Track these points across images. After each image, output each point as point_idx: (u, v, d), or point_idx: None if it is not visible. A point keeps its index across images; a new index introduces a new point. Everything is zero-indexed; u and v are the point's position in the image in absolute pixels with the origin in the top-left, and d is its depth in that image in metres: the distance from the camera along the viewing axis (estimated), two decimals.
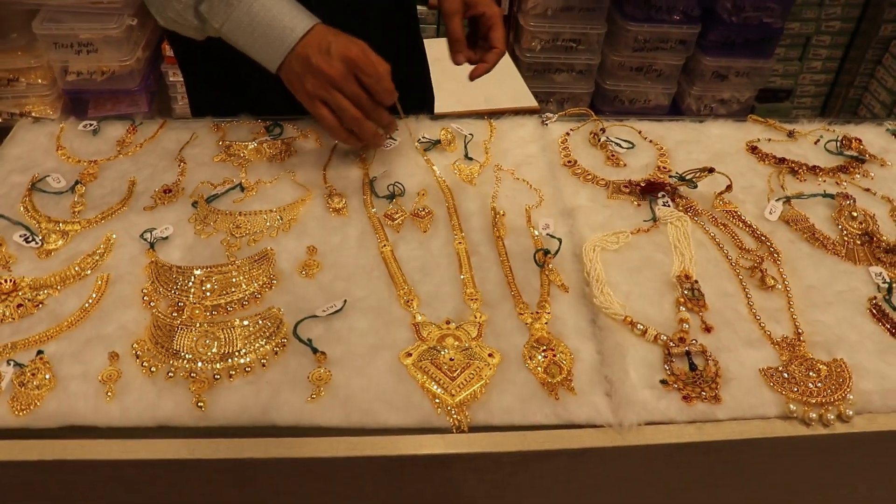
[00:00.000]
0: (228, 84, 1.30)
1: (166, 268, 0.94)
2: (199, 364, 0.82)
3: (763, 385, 0.83)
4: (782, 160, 1.18)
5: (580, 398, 0.81)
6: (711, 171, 1.09)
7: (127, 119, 1.22)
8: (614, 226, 1.04)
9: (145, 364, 0.82)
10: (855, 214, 1.06)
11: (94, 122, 1.21)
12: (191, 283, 0.92)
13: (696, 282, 0.94)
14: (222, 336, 0.85)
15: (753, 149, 1.22)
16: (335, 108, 1.02)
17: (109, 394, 0.80)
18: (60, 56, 2.52)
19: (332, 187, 1.09)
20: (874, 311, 0.93)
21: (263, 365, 0.83)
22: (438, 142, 1.18)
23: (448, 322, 0.89)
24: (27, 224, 1.00)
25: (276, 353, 0.84)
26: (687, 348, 0.86)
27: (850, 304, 0.94)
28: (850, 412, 0.80)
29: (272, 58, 1.03)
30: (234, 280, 0.93)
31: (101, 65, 2.57)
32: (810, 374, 0.84)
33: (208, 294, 0.91)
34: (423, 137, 1.19)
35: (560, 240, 1.00)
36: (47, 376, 0.81)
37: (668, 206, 1.07)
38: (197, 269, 0.93)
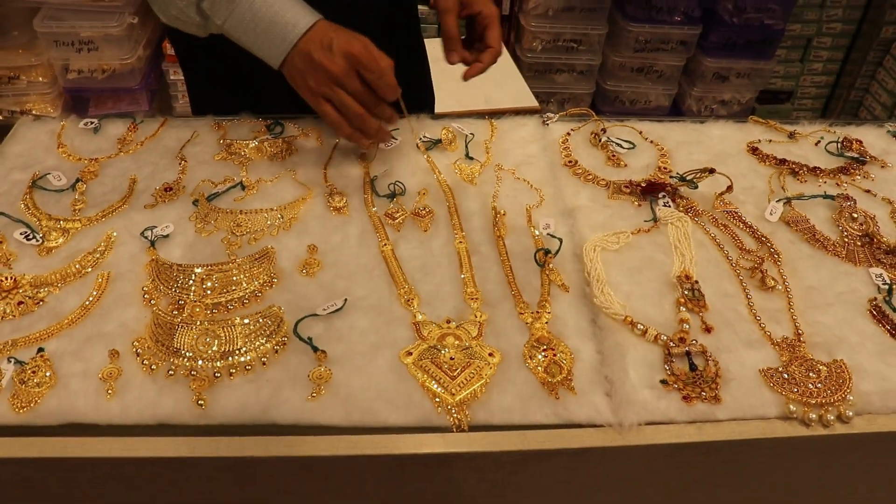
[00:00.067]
0: (229, 82, 1.30)
1: (167, 266, 0.94)
2: (200, 362, 0.82)
3: (763, 385, 0.83)
4: (783, 161, 1.18)
5: (580, 398, 0.81)
6: (712, 171, 1.09)
7: (128, 117, 1.22)
8: (615, 226, 1.04)
9: (146, 362, 0.82)
10: (855, 216, 1.06)
11: (95, 120, 1.21)
12: (191, 282, 0.92)
13: (697, 282, 0.94)
14: (223, 334, 0.85)
15: (754, 150, 1.22)
16: (338, 104, 1.02)
17: (110, 392, 0.80)
18: (61, 54, 2.52)
19: (332, 186, 1.09)
20: (874, 313, 0.93)
21: (264, 363, 0.83)
22: (439, 141, 1.18)
23: (448, 321, 0.89)
24: (28, 222, 1.00)
25: (277, 352, 0.84)
26: (687, 348, 0.86)
27: (850, 306, 0.94)
28: (850, 413, 0.80)
29: (275, 54, 1.03)
30: (234, 278, 0.93)
31: (101, 63, 2.57)
32: (810, 374, 0.84)
33: (209, 292, 0.91)
34: (424, 137, 1.19)
35: (561, 240, 1.00)
36: (48, 374, 0.81)
37: (669, 206, 1.07)
38: (198, 268, 0.93)
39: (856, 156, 1.21)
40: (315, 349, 0.84)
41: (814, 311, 0.93)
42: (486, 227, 1.03)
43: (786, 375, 0.84)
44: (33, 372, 0.80)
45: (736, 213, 1.07)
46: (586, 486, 0.86)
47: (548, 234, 1.02)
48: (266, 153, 1.15)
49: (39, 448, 0.75)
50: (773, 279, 0.95)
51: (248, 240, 0.99)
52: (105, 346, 0.84)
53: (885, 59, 3.34)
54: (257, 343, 0.85)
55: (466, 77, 1.17)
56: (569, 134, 1.24)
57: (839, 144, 1.23)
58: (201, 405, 0.79)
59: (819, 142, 1.25)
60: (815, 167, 1.18)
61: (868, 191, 1.13)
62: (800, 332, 0.89)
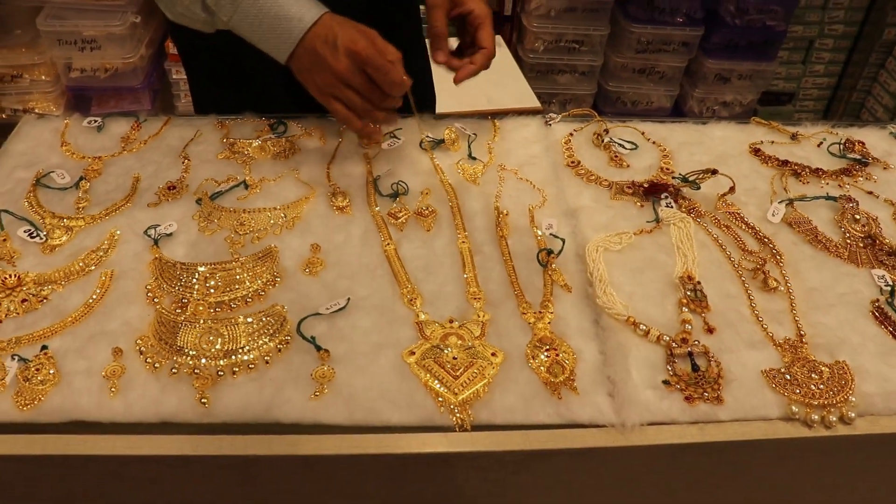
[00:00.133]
0: (232, 82, 1.30)
1: (170, 264, 0.94)
2: (203, 361, 0.83)
3: (765, 386, 0.83)
4: (785, 162, 1.19)
5: (583, 398, 0.81)
6: (714, 172, 1.10)
7: (131, 116, 1.22)
8: (617, 226, 1.04)
9: (149, 360, 0.83)
10: (857, 217, 1.06)
11: (99, 119, 1.21)
12: (195, 280, 0.92)
13: (699, 283, 0.94)
14: (226, 333, 0.85)
15: (756, 151, 1.22)
16: (346, 102, 1.03)
17: (113, 389, 0.80)
18: (64, 53, 2.52)
19: (335, 185, 1.09)
20: (876, 314, 0.93)
21: (267, 362, 0.83)
22: (442, 141, 1.18)
23: (451, 321, 0.89)
24: (32, 219, 1.01)
25: (280, 351, 0.84)
26: (689, 349, 0.86)
27: (852, 307, 0.94)
28: (853, 414, 0.80)
29: (281, 49, 1.03)
30: (237, 277, 0.93)
31: (104, 62, 2.58)
32: (812, 375, 0.84)
33: (212, 291, 0.91)
34: (427, 136, 1.19)
35: (563, 240, 1.00)
36: (51, 371, 0.81)
37: (671, 207, 1.07)
38: (201, 266, 0.93)
39: (858, 157, 1.21)
40: (318, 348, 0.84)
41: (816, 312, 0.93)
42: (489, 227, 1.03)
43: (788, 376, 0.84)
44: (37, 369, 0.81)
45: (738, 214, 1.07)
46: (588, 486, 0.86)
47: (550, 234, 1.02)
48: (269, 152, 1.15)
49: (43, 445, 0.75)
50: (776, 280, 0.96)
51: (252, 239, 1.00)
52: (108, 344, 0.84)
53: (887, 60, 3.34)
54: (260, 342, 0.85)
55: (458, 80, 1.14)
56: (571, 134, 1.24)
57: (841, 146, 1.23)
58: (204, 403, 0.79)
59: (821, 143, 1.25)
60: (817, 168, 1.18)
61: (870, 192, 1.14)
62: (802, 333, 0.89)
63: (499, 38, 2.85)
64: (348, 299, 0.90)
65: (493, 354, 0.85)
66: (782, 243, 1.03)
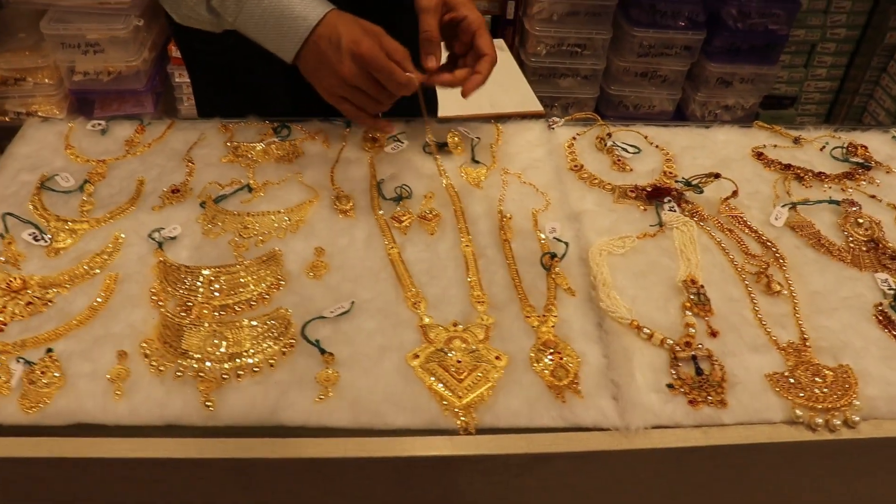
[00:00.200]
0: (234, 85, 1.30)
1: (174, 267, 0.94)
2: (208, 364, 0.83)
3: (769, 390, 0.83)
4: (788, 166, 1.19)
5: (587, 401, 0.81)
6: (717, 176, 1.10)
7: (135, 119, 1.23)
8: (620, 230, 1.04)
9: (154, 363, 0.83)
10: (861, 221, 1.06)
11: (103, 122, 1.21)
12: (199, 283, 0.92)
13: (702, 286, 0.95)
14: (230, 336, 0.85)
15: (759, 155, 1.22)
16: (355, 103, 1.03)
17: (118, 392, 0.80)
18: (67, 56, 2.53)
19: (339, 189, 1.09)
20: (880, 318, 0.93)
21: (271, 365, 0.83)
22: (445, 145, 1.18)
23: (455, 324, 0.89)
24: (36, 223, 1.01)
25: (284, 354, 0.85)
26: (693, 353, 0.86)
27: (855, 310, 0.94)
28: (856, 418, 0.80)
29: (287, 49, 1.03)
30: (242, 280, 0.93)
31: (107, 65, 2.58)
32: (816, 379, 0.84)
33: (216, 294, 0.91)
34: (430, 139, 1.19)
35: (567, 243, 1.01)
36: (56, 374, 0.81)
37: (674, 211, 1.07)
38: (205, 269, 0.94)
39: (861, 161, 1.21)
40: (323, 351, 0.84)
41: (819, 315, 0.93)
42: (493, 230, 1.04)
43: (792, 380, 0.84)
44: (42, 372, 0.81)
45: (741, 217, 1.07)
46: (592, 489, 0.86)
47: (554, 237, 1.02)
48: (273, 156, 1.15)
49: (48, 448, 0.75)
50: (779, 284, 0.96)
51: (256, 242, 1.00)
52: (113, 347, 0.85)
53: (889, 64, 3.35)
54: (265, 345, 0.85)
55: (467, 93, 1.09)
56: (574, 138, 1.24)
57: (844, 150, 1.23)
58: (209, 407, 0.79)
59: (824, 147, 1.25)
60: (820, 172, 1.18)
61: (873, 196, 1.14)
62: (805, 336, 0.90)
63: (501, 42, 2.86)
64: (352, 303, 0.90)
65: (496, 358, 0.85)
66: (785, 247, 1.03)
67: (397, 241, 1.01)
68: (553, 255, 0.98)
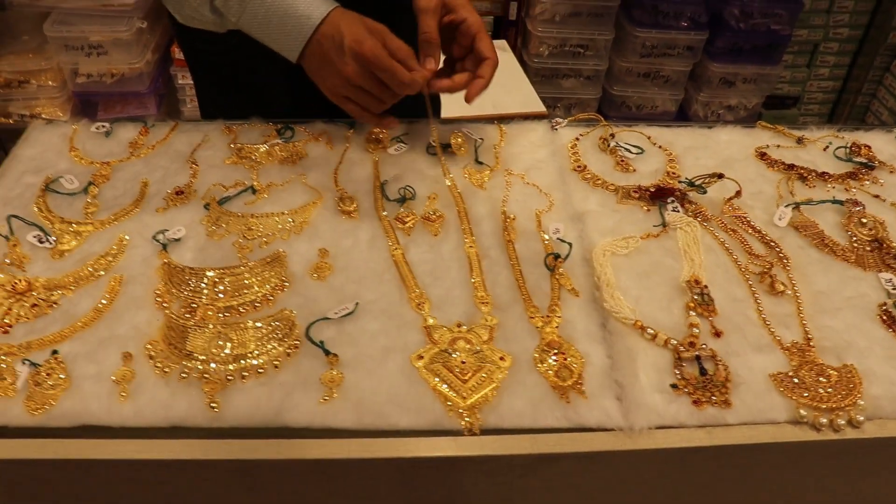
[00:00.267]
0: (238, 86, 1.30)
1: (179, 269, 0.94)
2: (212, 365, 0.83)
3: (773, 390, 0.83)
4: (791, 166, 1.19)
5: (591, 402, 0.81)
6: (721, 176, 1.10)
7: (139, 121, 1.23)
8: (624, 231, 1.04)
9: (158, 365, 0.83)
10: (864, 221, 1.06)
11: (107, 124, 1.21)
12: (203, 285, 0.92)
13: (706, 287, 0.95)
14: (235, 337, 0.86)
15: (762, 155, 1.22)
16: (359, 103, 1.03)
17: (123, 394, 0.80)
18: (71, 58, 2.54)
19: (343, 190, 1.10)
20: (884, 318, 0.93)
21: (276, 366, 0.83)
22: (448, 146, 1.18)
23: (459, 325, 0.89)
24: (41, 225, 1.01)
25: (289, 355, 0.85)
26: (697, 353, 0.86)
27: (859, 310, 0.94)
28: (861, 418, 0.80)
29: (291, 48, 1.02)
30: (246, 282, 0.93)
31: (110, 67, 2.59)
32: (820, 379, 0.84)
33: (221, 296, 0.91)
34: (433, 141, 1.20)
35: (570, 244, 1.01)
36: (62, 376, 0.81)
37: (678, 211, 1.07)
38: (209, 271, 0.94)
39: (864, 161, 1.21)
40: (327, 352, 0.84)
41: (823, 315, 0.93)
42: (496, 231, 1.04)
43: (796, 380, 0.84)
44: (47, 374, 0.81)
45: (745, 218, 1.07)
46: (596, 489, 0.86)
47: (557, 238, 1.02)
48: (276, 157, 1.16)
49: (54, 450, 0.75)
50: (783, 284, 0.96)
51: (260, 243, 1.00)
52: (118, 349, 0.85)
53: (892, 64, 3.34)
54: (269, 346, 0.85)
55: (471, 98, 1.07)
56: (577, 139, 1.24)
57: (848, 150, 1.23)
58: (214, 408, 0.79)
59: (827, 147, 1.25)
60: (823, 172, 1.18)
61: (877, 196, 1.14)
62: (809, 336, 0.90)
63: (503, 43, 2.86)
64: (356, 304, 0.90)
65: (501, 358, 0.85)
66: (789, 247, 1.03)
67: (401, 243, 1.01)
68: (557, 256, 0.98)
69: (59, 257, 0.97)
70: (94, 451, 0.76)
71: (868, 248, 1.03)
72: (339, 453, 0.76)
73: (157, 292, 0.92)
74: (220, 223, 1.02)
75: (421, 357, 0.85)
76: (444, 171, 1.14)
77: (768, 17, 2.95)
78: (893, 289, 0.97)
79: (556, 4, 2.91)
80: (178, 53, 2.71)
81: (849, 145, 1.24)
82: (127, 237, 1.00)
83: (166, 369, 0.83)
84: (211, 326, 0.87)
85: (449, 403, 0.80)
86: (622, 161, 1.18)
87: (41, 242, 0.98)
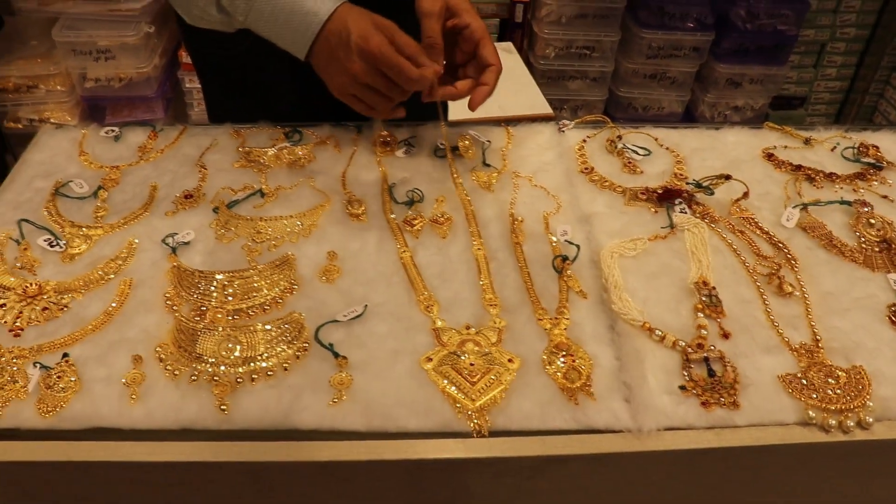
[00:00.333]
0: (245, 90, 1.30)
1: (188, 272, 0.95)
2: (222, 368, 0.83)
3: (782, 391, 0.83)
4: (799, 167, 1.19)
5: (599, 403, 0.81)
6: (728, 178, 1.10)
7: (148, 125, 1.23)
8: (631, 232, 1.04)
9: (168, 367, 0.83)
10: (872, 221, 1.06)
11: (116, 129, 1.22)
12: (213, 288, 0.93)
13: (714, 288, 0.95)
14: (244, 340, 0.86)
15: (770, 156, 1.22)
16: (367, 102, 1.02)
17: (133, 396, 0.81)
18: (79, 63, 2.55)
19: (351, 193, 1.10)
20: (893, 318, 0.93)
21: (285, 369, 0.84)
22: (456, 148, 1.19)
23: (468, 327, 0.89)
24: (51, 229, 1.02)
25: (298, 358, 0.85)
26: (705, 354, 0.86)
27: (868, 311, 0.94)
28: (870, 419, 0.80)
29: (299, 46, 1.01)
30: (255, 285, 0.93)
31: (118, 72, 2.60)
32: (829, 380, 0.84)
33: (230, 298, 0.92)
34: (441, 144, 1.20)
35: (578, 246, 1.01)
36: (72, 379, 0.82)
37: (685, 212, 1.07)
38: (219, 274, 0.94)
39: (872, 161, 1.21)
40: (336, 355, 0.85)
41: (831, 316, 0.93)
42: (504, 233, 1.04)
43: (804, 381, 0.84)
44: (59, 377, 0.82)
45: (752, 219, 1.07)
46: (605, 491, 0.86)
47: (565, 240, 1.03)
48: (285, 161, 1.16)
49: (65, 452, 0.76)
50: (791, 285, 0.96)
51: (269, 247, 1.00)
52: (128, 352, 0.85)
53: None
54: (279, 349, 0.85)
55: (475, 105, 1.07)
56: (584, 141, 1.24)
57: (855, 150, 1.23)
58: (224, 410, 0.80)
59: (835, 148, 1.25)
60: (831, 173, 1.18)
61: (885, 196, 1.13)
62: (818, 337, 0.90)
63: (510, 45, 2.86)
64: (365, 306, 0.91)
65: (509, 360, 0.85)
66: (797, 248, 1.03)
67: (409, 245, 1.01)
68: (565, 258, 0.98)
69: (69, 261, 0.97)
70: (104, 453, 0.76)
71: (876, 249, 1.03)
72: (348, 455, 0.76)
73: (167, 295, 0.92)
74: (229, 226, 1.03)
75: (429, 359, 0.85)
76: (451, 173, 1.14)
77: (775, 17, 2.94)
78: None
79: (562, 6, 2.91)
80: (185, 57, 2.72)
81: (856, 146, 1.24)
82: (136, 241, 1.00)
83: (176, 372, 0.83)
84: (220, 329, 0.87)
85: (458, 405, 0.80)
86: (629, 163, 1.18)
87: (52, 246, 0.99)
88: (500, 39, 3.06)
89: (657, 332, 0.89)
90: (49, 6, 2.49)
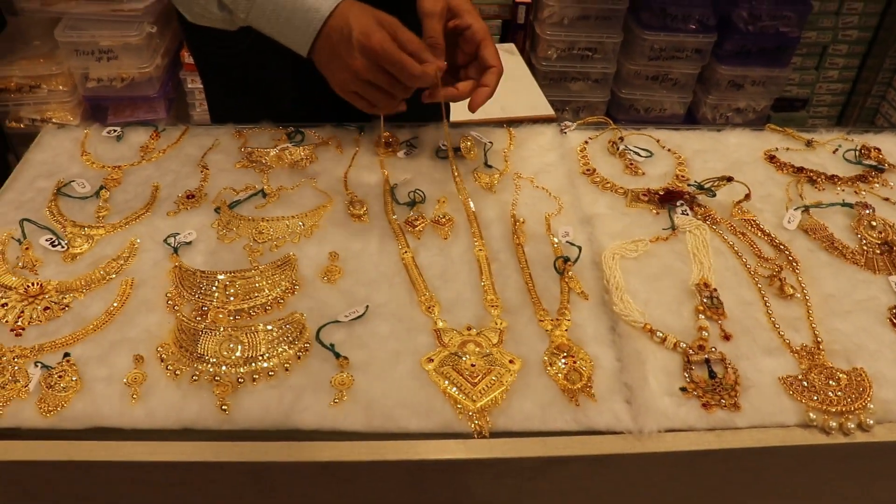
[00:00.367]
0: (247, 89, 1.30)
1: (190, 272, 0.95)
2: (223, 368, 0.83)
3: (782, 393, 0.83)
4: (800, 169, 1.19)
5: (600, 405, 0.81)
6: (730, 179, 1.10)
7: (150, 125, 1.24)
8: (633, 234, 1.04)
9: (170, 367, 0.83)
10: (874, 224, 1.06)
11: (118, 128, 1.22)
12: (214, 288, 0.93)
13: (715, 290, 0.95)
14: (246, 340, 0.86)
15: (771, 158, 1.22)
16: (368, 99, 1.02)
17: (134, 396, 0.81)
18: (81, 63, 2.55)
19: (353, 194, 1.10)
20: (894, 321, 0.93)
21: (286, 369, 0.84)
22: (458, 149, 1.19)
23: (469, 328, 0.89)
24: (53, 228, 1.02)
25: (299, 358, 0.85)
26: (706, 356, 0.86)
27: (869, 313, 0.94)
28: (871, 421, 0.80)
29: (301, 42, 1.01)
30: (256, 285, 0.94)
31: (120, 72, 2.60)
32: (830, 382, 0.84)
33: (232, 298, 0.92)
34: (443, 145, 1.20)
35: (580, 247, 1.01)
36: (74, 378, 0.82)
37: (687, 214, 1.07)
38: (220, 274, 0.94)
39: (874, 164, 1.21)
40: (337, 355, 0.85)
41: (833, 319, 0.93)
42: (506, 234, 1.04)
43: (805, 383, 0.84)
44: (60, 376, 0.82)
45: (754, 221, 1.07)
46: (605, 492, 0.86)
47: (567, 241, 1.03)
48: (286, 161, 1.16)
49: (66, 451, 0.76)
50: (792, 287, 0.96)
51: (270, 247, 1.00)
52: (129, 352, 0.85)
53: None
54: (280, 349, 0.85)
55: (475, 107, 1.06)
56: (586, 142, 1.24)
57: (857, 152, 1.23)
58: (225, 410, 0.80)
59: (837, 150, 1.25)
60: (832, 175, 1.18)
61: (887, 199, 1.13)
62: (819, 340, 0.89)
63: (512, 46, 2.86)
64: (367, 307, 0.91)
65: (510, 361, 0.85)
66: (798, 250, 1.03)
67: (411, 246, 1.01)
68: (566, 259, 0.98)
69: (70, 261, 0.98)
70: (105, 452, 0.76)
71: (878, 251, 1.03)
72: (349, 456, 0.76)
73: (169, 295, 0.92)
74: (231, 227, 1.03)
75: (431, 360, 0.85)
76: (453, 174, 1.14)
77: (777, 19, 2.94)
78: None
79: (564, 8, 2.91)
80: (187, 58, 2.72)
81: (858, 148, 1.24)
82: (138, 241, 1.01)
83: (177, 372, 0.83)
84: (222, 329, 0.87)
85: (458, 406, 0.80)
86: (631, 164, 1.18)
87: (53, 246, 0.99)
88: (503, 40, 3.06)
89: (658, 333, 0.89)
90: (52, 6, 2.49)
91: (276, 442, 0.77)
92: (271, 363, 0.84)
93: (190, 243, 1.00)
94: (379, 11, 0.99)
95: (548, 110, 2.42)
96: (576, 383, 0.83)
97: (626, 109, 3.15)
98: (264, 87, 1.29)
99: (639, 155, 1.21)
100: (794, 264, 1.00)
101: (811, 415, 0.81)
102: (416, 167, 1.17)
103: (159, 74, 2.66)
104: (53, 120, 2.61)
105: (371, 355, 0.86)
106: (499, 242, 1.02)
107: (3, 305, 0.90)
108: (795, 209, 1.09)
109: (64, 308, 0.91)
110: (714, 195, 1.10)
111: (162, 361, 0.84)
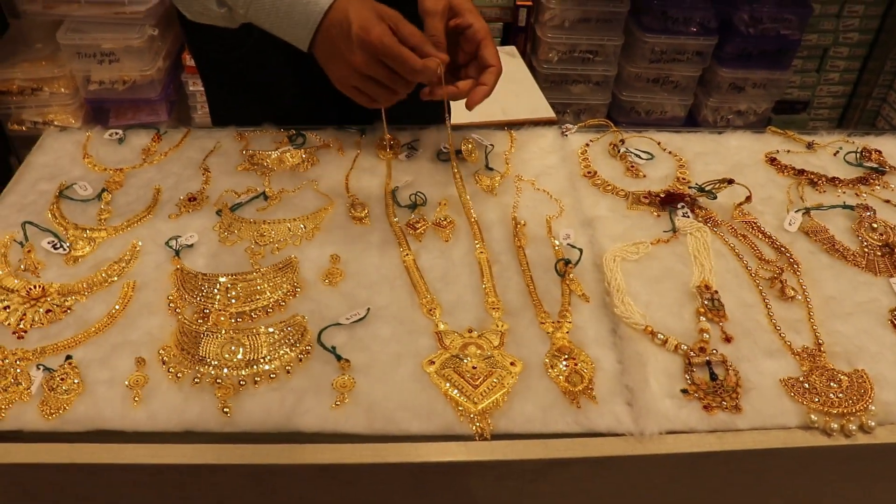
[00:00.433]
0: (248, 90, 1.30)
1: (192, 275, 0.95)
2: (225, 370, 0.83)
3: (784, 395, 0.83)
4: (801, 171, 1.19)
5: (601, 407, 0.81)
6: (731, 182, 1.10)
7: (152, 128, 1.24)
8: (634, 236, 1.04)
9: (171, 370, 0.84)
10: (875, 226, 1.06)
11: (120, 131, 1.22)
12: (216, 291, 0.93)
13: (716, 292, 0.95)
14: (247, 343, 0.86)
15: (772, 160, 1.22)
16: (369, 94, 1.01)
17: (136, 399, 0.81)
18: (83, 65, 2.56)
19: (354, 196, 1.10)
20: (895, 323, 0.93)
21: (288, 372, 0.84)
22: (459, 152, 1.19)
23: (470, 330, 0.89)
24: (55, 231, 1.02)
25: (301, 360, 0.85)
26: (707, 358, 0.86)
27: (870, 315, 0.94)
28: (872, 423, 0.80)
29: (300, 37, 1.00)
30: (258, 288, 0.94)
31: (122, 74, 2.61)
32: (831, 384, 0.84)
33: (233, 301, 0.92)
34: (444, 147, 1.20)
35: (580, 250, 1.01)
36: (76, 381, 0.82)
37: (688, 216, 1.08)
38: (222, 277, 0.94)
39: (875, 166, 1.21)
40: (339, 358, 0.85)
41: (834, 320, 0.93)
42: (507, 237, 1.04)
43: (806, 385, 0.84)
44: (62, 379, 0.82)
45: (755, 223, 1.07)
46: (607, 494, 0.86)
47: (568, 244, 1.03)
48: (288, 164, 1.16)
49: (68, 454, 0.76)
50: (793, 289, 0.96)
51: (272, 249, 1.01)
52: (131, 354, 0.85)
53: None
54: (281, 352, 0.86)
55: (472, 105, 1.05)
56: (587, 145, 1.24)
57: (858, 154, 1.23)
58: (226, 413, 0.80)
59: (838, 152, 1.25)
60: (833, 177, 1.18)
61: (888, 201, 1.13)
62: (820, 341, 0.90)
63: (513, 49, 2.87)
64: (368, 309, 0.91)
65: (511, 364, 0.85)
66: (799, 252, 1.03)
67: (412, 248, 1.01)
68: (567, 262, 0.98)
69: (72, 263, 0.98)
70: (107, 455, 0.76)
71: (879, 253, 1.03)
72: (351, 458, 0.76)
73: (170, 298, 0.92)
74: (233, 229, 1.03)
75: (432, 362, 0.85)
76: (454, 177, 1.14)
77: (778, 22, 2.95)
78: None
79: (565, 10, 2.91)
80: (188, 60, 2.73)
81: (859, 150, 1.24)
82: (140, 243, 1.01)
83: (179, 374, 0.83)
84: (223, 332, 0.87)
85: (460, 408, 0.80)
86: (632, 167, 1.18)
87: (55, 248, 0.99)
88: (504, 43, 3.06)
89: (659, 335, 0.89)
90: (53, 9, 2.50)
91: (278, 444, 0.77)
92: (273, 366, 0.84)
93: (191, 246, 1.01)
94: (380, 5, 0.98)
95: (549, 113, 2.42)
96: (577, 385, 0.83)
97: (627, 112, 3.15)
98: (265, 85, 1.29)
99: (640, 157, 1.21)
100: (795, 266, 1.00)
101: (812, 416, 0.81)
102: (418, 170, 1.17)
103: (161, 77, 2.67)
104: (55, 122, 2.62)
105: (372, 358, 0.86)
106: (500, 245, 1.03)
107: (5, 308, 0.90)
108: (796, 211, 1.09)
109: (66, 311, 0.91)
110: (715, 197, 1.10)
111: (163, 364, 0.84)
